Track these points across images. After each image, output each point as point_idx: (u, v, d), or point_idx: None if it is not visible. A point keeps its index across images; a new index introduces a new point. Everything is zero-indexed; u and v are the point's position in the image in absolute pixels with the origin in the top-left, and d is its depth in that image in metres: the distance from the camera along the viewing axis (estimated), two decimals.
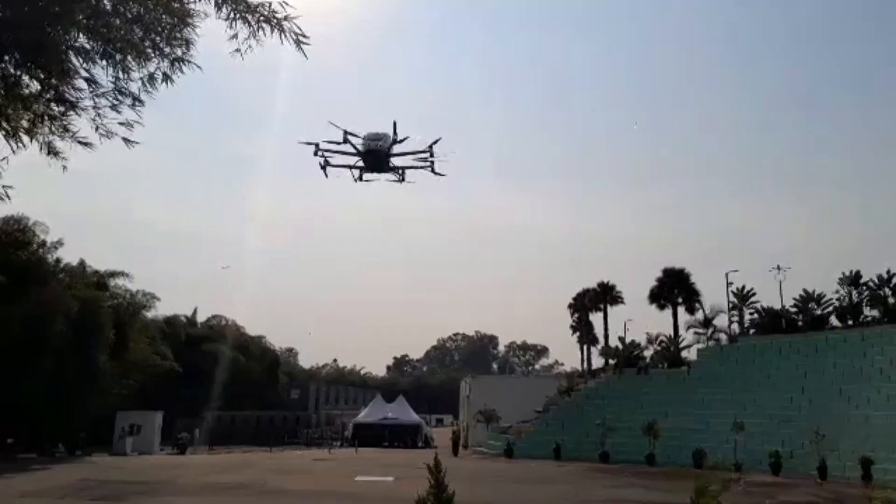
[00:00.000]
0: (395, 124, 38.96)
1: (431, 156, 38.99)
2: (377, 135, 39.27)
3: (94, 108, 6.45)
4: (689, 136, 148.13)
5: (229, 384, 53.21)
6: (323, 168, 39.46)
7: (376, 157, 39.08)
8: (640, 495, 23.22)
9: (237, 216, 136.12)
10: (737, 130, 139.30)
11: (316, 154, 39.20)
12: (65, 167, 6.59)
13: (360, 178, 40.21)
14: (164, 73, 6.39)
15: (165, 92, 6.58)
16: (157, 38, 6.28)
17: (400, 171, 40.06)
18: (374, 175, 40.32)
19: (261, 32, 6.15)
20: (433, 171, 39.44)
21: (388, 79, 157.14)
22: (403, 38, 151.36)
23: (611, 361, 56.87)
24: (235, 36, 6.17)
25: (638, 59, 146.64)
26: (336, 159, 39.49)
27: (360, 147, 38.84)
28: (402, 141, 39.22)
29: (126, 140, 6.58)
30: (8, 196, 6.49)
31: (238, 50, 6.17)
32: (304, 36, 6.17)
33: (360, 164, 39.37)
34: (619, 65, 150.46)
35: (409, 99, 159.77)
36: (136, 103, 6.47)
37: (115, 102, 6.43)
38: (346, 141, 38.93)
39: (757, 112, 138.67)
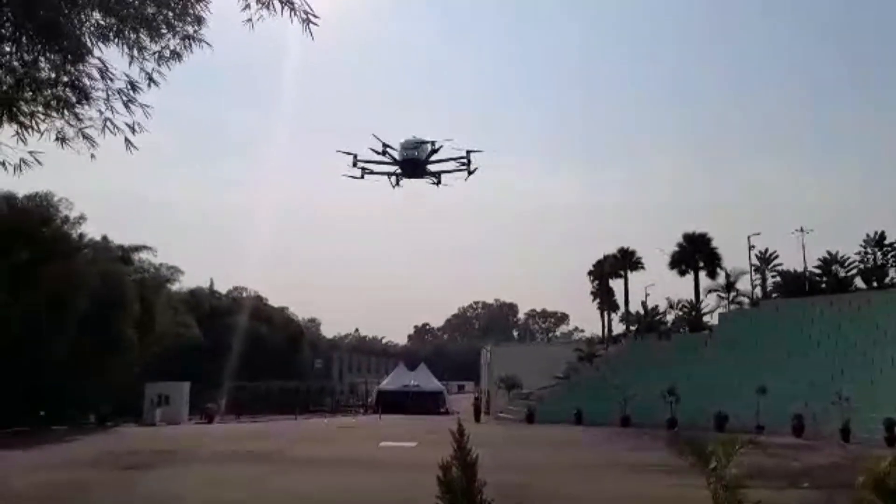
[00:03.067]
0: (433, 143, 39.91)
1: (469, 163, 39.84)
2: (414, 143, 40.10)
3: (106, 100, 6.47)
4: (709, 99, 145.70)
5: (253, 355, 53.90)
6: (361, 177, 40.56)
7: (414, 164, 40.06)
8: (664, 458, 23.33)
9: (257, 190, 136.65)
10: (756, 94, 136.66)
11: (355, 165, 40.33)
12: (92, 155, 6.64)
13: (398, 184, 41.25)
14: (174, 51, 6.39)
15: (171, 72, 6.58)
16: (170, 14, 6.29)
17: (436, 176, 40.98)
18: (412, 180, 41.32)
19: (271, 9, 6.11)
20: (469, 173, 40.33)
21: (401, 57, 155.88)
22: (412, 18, 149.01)
23: (631, 327, 56.98)
24: (248, 6, 6.15)
25: (656, 19, 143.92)
26: (375, 167, 40.52)
27: (396, 156, 39.77)
28: (438, 149, 40.05)
29: (128, 142, 6.60)
30: (38, 161, 6.55)
31: (249, 20, 6.16)
32: (314, 15, 6.12)
33: (398, 171, 40.33)
34: (636, 27, 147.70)
35: (423, 77, 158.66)
36: (151, 83, 6.49)
37: (127, 99, 6.44)
38: (384, 152, 39.92)
39: (777, 74, 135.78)
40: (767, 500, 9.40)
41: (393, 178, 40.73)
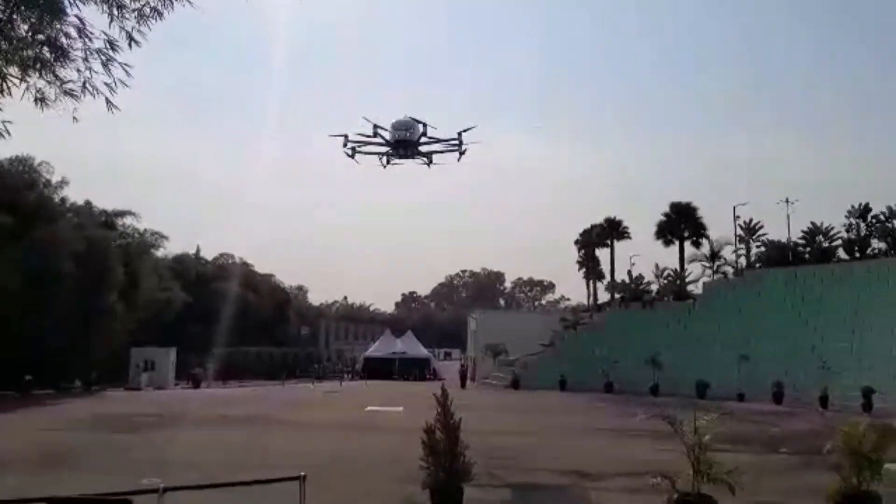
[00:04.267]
0: (425, 125, 39.93)
1: (460, 144, 39.95)
2: (405, 123, 40.13)
3: (85, 59, 6.34)
4: (694, 70, 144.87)
5: (240, 321, 53.99)
6: (351, 156, 40.68)
7: (405, 145, 40.11)
8: (644, 424, 23.71)
9: (242, 156, 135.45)
10: (742, 64, 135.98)
11: (345, 146, 40.36)
12: (75, 118, 6.53)
13: (388, 163, 41.36)
14: (154, 8, 6.27)
15: (164, 30, 6.47)
16: None
17: (428, 156, 41.12)
18: (403, 161, 41.45)
19: None
20: (461, 154, 40.48)
21: (388, 18, 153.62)
22: None
23: (617, 296, 57.36)
24: None
25: None
26: (365, 147, 40.61)
27: (388, 137, 39.80)
28: (426, 133, 40.07)
29: (109, 102, 6.49)
30: (7, 132, 6.42)
31: None
32: None
33: (389, 151, 40.44)
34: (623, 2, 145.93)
35: (411, 33, 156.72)
36: (132, 42, 6.37)
37: (106, 59, 6.32)
38: (375, 134, 39.98)
39: (762, 43, 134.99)
40: (748, 465, 9.63)
41: (384, 158, 40.95)
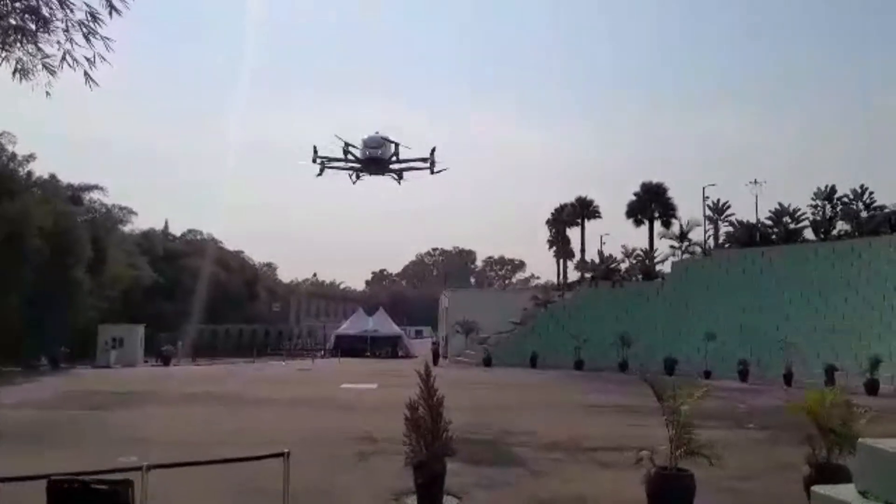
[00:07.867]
0: (397, 144, 39.93)
1: (433, 163, 40.12)
2: (377, 141, 40.06)
3: (66, 31, 6.18)
4: (670, 49, 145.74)
5: (209, 298, 53.53)
6: (320, 173, 40.59)
7: (377, 163, 40.10)
8: (613, 399, 24.18)
9: (211, 133, 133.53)
10: (717, 48, 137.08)
11: (314, 161, 40.12)
12: (48, 93, 6.38)
13: (358, 179, 41.33)
14: None
15: (139, 7, 6.33)
16: None
17: (398, 173, 41.19)
18: (373, 177, 41.49)
19: None
20: (432, 171, 40.58)
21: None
22: None
23: (587, 275, 57.88)
24: None
25: None
26: (336, 163, 40.49)
27: (359, 154, 39.70)
28: (398, 154, 40.11)
29: (87, 76, 6.35)
30: None
31: None
32: None
33: (360, 168, 40.43)
34: None
35: (388, 22, 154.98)
36: (113, 11, 6.23)
37: (88, 31, 6.17)
38: (346, 152, 39.78)
39: (739, 28, 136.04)
40: (717, 440, 9.88)
41: (353, 175, 41.15)
